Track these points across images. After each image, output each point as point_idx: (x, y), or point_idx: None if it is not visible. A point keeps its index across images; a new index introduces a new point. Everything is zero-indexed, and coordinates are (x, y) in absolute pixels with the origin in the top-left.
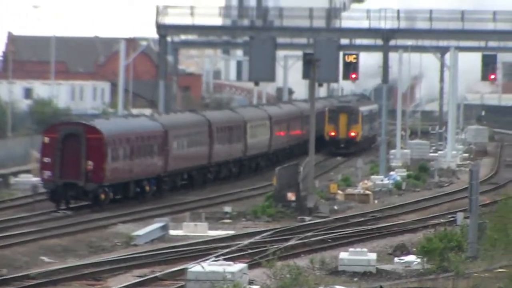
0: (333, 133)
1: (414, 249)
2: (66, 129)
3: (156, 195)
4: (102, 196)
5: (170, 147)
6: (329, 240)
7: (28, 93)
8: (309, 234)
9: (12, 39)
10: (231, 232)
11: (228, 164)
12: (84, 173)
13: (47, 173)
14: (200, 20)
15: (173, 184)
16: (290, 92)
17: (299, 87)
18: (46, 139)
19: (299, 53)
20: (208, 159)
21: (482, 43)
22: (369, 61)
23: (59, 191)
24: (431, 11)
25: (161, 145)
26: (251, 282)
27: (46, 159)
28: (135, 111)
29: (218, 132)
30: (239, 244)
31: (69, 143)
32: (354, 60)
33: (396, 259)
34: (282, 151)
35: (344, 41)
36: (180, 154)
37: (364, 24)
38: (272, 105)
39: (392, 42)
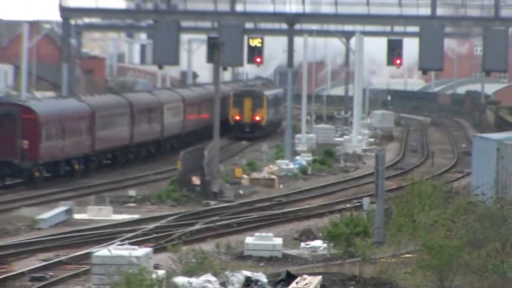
0: (238, 117)
1: (321, 234)
2: (1, 109)
3: (84, 174)
4: (37, 173)
5: (97, 127)
6: (235, 225)
7: None
8: (215, 218)
9: None
10: (136, 216)
11: (147, 145)
12: (19, 152)
13: None
14: (104, 3)
15: (99, 163)
16: (195, 76)
17: (204, 71)
18: None
19: (204, 36)
20: (130, 140)
21: (387, 28)
22: (274, 44)
23: None
24: None
25: (89, 126)
26: (156, 267)
27: None
28: (38, 94)
29: (139, 113)
30: (144, 228)
31: (5, 123)
32: (259, 44)
33: (302, 244)
34: (193, 133)
35: (249, 25)
36: (105, 135)
37: (269, 8)
38: (184, 88)
39: (298, 27)
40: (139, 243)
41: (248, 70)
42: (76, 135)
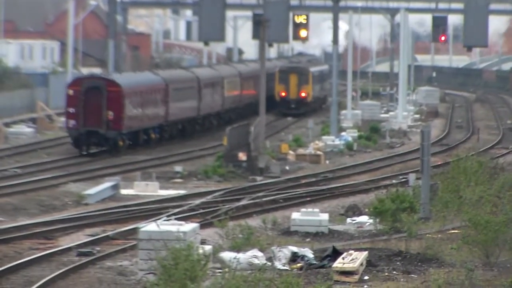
0: (283, 94)
1: (367, 210)
2: (88, 82)
3: (158, 143)
4: (120, 143)
5: (170, 99)
6: (281, 201)
7: None
8: (261, 194)
9: None
10: (182, 192)
11: (210, 117)
12: (105, 122)
13: (72, 122)
14: None
15: (171, 133)
16: (240, 52)
17: (249, 47)
18: (70, 92)
19: (249, 13)
20: (197, 112)
21: (432, 5)
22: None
23: (82, 138)
24: None
25: (163, 98)
26: (203, 242)
27: (71, 110)
28: (84, 70)
29: (205, 87)
30: (191, 203)
31: (92, 95)
32: (304, 21)
33: (348, 220)
34: (248, 107)
35: (294, 1)
36: (177, 106)
37: None
38: (240, 63)
39: (342, 3)
40: (185, 219)
41: (295, 46)
42: (153, 106)
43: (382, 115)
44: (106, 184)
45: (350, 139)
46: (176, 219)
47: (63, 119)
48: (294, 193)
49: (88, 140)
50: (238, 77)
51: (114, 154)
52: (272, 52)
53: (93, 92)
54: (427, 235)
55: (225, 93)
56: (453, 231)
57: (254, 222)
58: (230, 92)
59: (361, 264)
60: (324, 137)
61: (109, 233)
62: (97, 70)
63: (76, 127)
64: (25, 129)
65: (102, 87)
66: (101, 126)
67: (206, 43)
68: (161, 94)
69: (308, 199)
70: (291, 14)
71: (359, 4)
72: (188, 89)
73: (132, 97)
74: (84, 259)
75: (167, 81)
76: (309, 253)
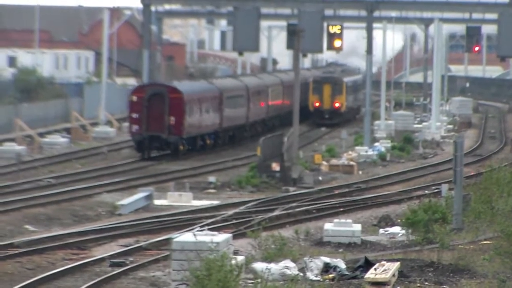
0: (317, 104)
1: (399, 221)
2: (151, 89)
3: (213, 149)
4: (181, 147)
5: (224, 106)
6: (314, 211)
7: (12, 61)
8: (294, 204)
9: None
10: (216, 202)
11: (256, 124)
12: (167, 127)
13: (135, 127)
14: None
15: (224, 139)
16: (275, 62)
17: (283, 57)
18: (134, 98)
19: (284, 23)
20: (246, 119)
21: (466, 15)
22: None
23: (145, 142)
24: None
25: (218, 105)
26: (236, 252)
27: (134, 115)
28: (119, 80)
29: (253, 95)
30: (224, 214)
31: (154, 102)
32: (339, 31)
33: (381, 230)
34: (289, 115)
35: (328, 11)
36: (230, 113)
37: None
38: (282, 72)
39: (377, 13)
40: (218, 229)
41: (329, 56)
42: (209, 113)
43: (416, 126)
44: (140, 194)
45: (383, 149)
46: (209, 229)
47: (97, 129)
48: (327, 203)
49: (151, 144)
50: (280, 85)
51: (174, 158)
52: (306, 62)
53: (155, 99)
54: (460, 246)
55: (269, 101)
56: (485, 242)
57: (287, 232)
58: (273, 100)
59: (393, 275)
60: (357, 148)
61: (142, 243)
62: (131, 81)
63: (139, 132)
64: (59, 139)
65: (164, 93)
66: (163, 131)
67: (240, 53)
68: (216, 102)
69: (341, 209)
70: (325, 24)
71: (393, 14)
72: (238, 97)
73: (192, 104)
74: (117, 270)
75: (221, 89)
76: (341, 264)
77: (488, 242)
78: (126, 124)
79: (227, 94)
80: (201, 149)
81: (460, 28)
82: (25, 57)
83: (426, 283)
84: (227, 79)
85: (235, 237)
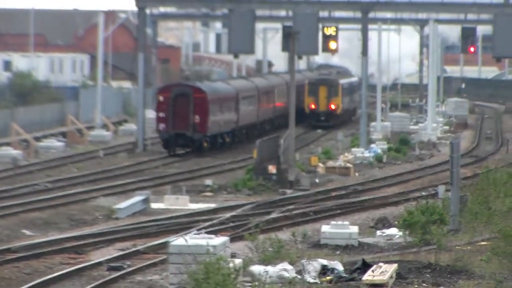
0: (313, 106)
1: (396, 222)
2: (177, 89)
3: (231, 146)
4: (205, 144)
5: (240, 106)
6: (311, 213)
7: (7, 65)
8: (291, 207)
9: None
10: (213, 205)
11: (265, 123)
12: (192, 126)
13: (161, 125)
14: None
15: (240, 137)
16: (270, 64)
17: (279, 59)
18: (161, 98)
19: (279, 25)
20: (257, 118)
21: (461, 16)
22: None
23: (171, 140)
24: None
25: (235, 105)
26: (233, 255)
27: (161, 114)
28: (114, 83)
29: (262, 95)
30: (221, 217)
31: (180, 101)
32: (334, 33)
33: (378, 232)
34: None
35: (323, 13)
36: (245, 113)
37: None
38: (285, 74)
39: (372, 15)
40: (216, 232)
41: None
42: (228, 112)
43: (412, 127)
44: (136, 198)
45: (379, 151)
46: (206, 232)
47: (93, 132)
48: (324, 205)
49: (176, 142)
50: (285, 86)
51: (198, 155)
52: (302, 64)
53: (181, 98)
54: (457, 247)
55: (276, 101)
56: (482, 243)
57: (284, 235)
58: (279, 100)
59: (391, 277)
60: (353, 149)
61: (140, 247)
62: (127, 84)
63: (166, 130)
64: (56, 143)
65: (189, 94)
66: (188, 129)
67: (236, 56)
68: (233, 101)
69: (338, 211)
70: (320, 26)
71: (388, 15)
72: (251, 97)
73: (214, 104)
74: (115, 274)
75: (238, 89)
76: (339, 266)
77: (486, 243)
78: (122, 127)
79: (243, 94)
80: (220, 146)
81: (455, 32)
82: (21, 61)
83: (424, 284)
84: (241, 80)
85: (232, 240)
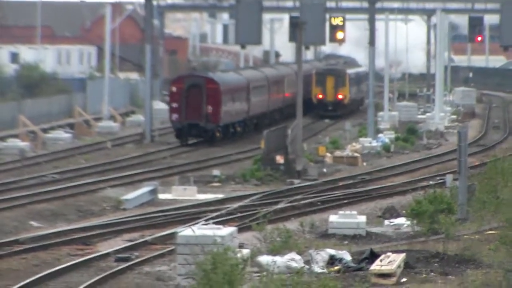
0: (320, 96)
1: (404, 212)
2: (190, 80)
3: (242, 135)
4: (217, 134)
5: (251, 96)
6: (319, 203)
7: (14, 57)
8: (299, 197)
9: None
10: (220, 196)
11: (275, 112)
12: (205, 116)
13: (175, 116)
14: None
15: (251, 126)
16: (277, 55)
17: (286, 50)
18: (174, 88)
19: (286, 16)
20: (267, 107)
21: (468, 5)
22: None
23: (184, 130)
24: None
25: (246, 95)
26: (241, 246)
27: (174, 105)
28: (121, 75)
29: (272, 85)
30: (229, 207)
31: (193, 92)
32: (341, 23)
33: (386, 222)
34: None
35: (330, 3)
36: (255, 102)
37: None
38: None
39: (379, 5)
40: (223, 223)
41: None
42: (240, 102)
43: (419, 116)
44: (144, 189)
45: (387, 140)
46: (214, 223)
47: (100, 123)
48: (332, 195)
49: (189, 132)
50: (295, 76)
51: (211, 144)
52: (309, 54)
53: (194, 89)
54: (465, 236)
55: (285, 91)
56: (490, 232)
57: (292, 225)
58: (289, 90)
59: (399, 266)
60: (361, 139)
61: (147, 238)
62: (134, 75)
63: (179, 120)
64: (63, 135)
65: (202, 84)
66: (201, 119)
67: (243, 46)
68: (244, 91)
69: (346, 201)
70: (327, 16)
71: (395, 5)
72: (261, 87)
73: (227, 94)
74: (122, 265)
75: (249, 80)
76: (347, 256)
77: (493, 232)
78: (129, 119)
79: (253, 84)
80: (232, 136)
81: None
82: (28, 53)
83: (432, 273)
84: (251, 70)
85: (240, 230)
